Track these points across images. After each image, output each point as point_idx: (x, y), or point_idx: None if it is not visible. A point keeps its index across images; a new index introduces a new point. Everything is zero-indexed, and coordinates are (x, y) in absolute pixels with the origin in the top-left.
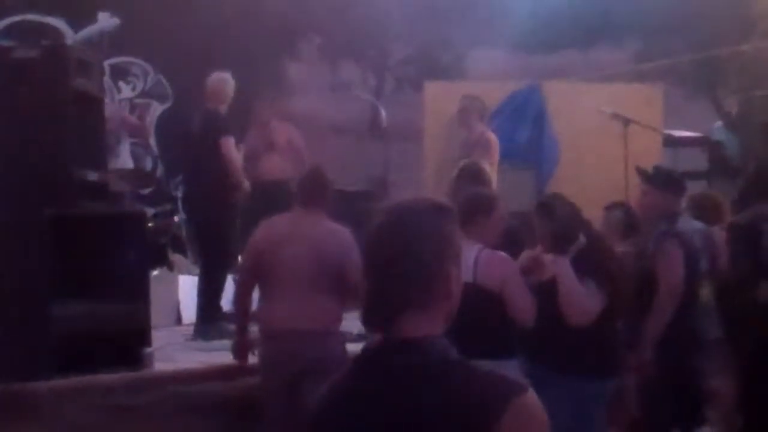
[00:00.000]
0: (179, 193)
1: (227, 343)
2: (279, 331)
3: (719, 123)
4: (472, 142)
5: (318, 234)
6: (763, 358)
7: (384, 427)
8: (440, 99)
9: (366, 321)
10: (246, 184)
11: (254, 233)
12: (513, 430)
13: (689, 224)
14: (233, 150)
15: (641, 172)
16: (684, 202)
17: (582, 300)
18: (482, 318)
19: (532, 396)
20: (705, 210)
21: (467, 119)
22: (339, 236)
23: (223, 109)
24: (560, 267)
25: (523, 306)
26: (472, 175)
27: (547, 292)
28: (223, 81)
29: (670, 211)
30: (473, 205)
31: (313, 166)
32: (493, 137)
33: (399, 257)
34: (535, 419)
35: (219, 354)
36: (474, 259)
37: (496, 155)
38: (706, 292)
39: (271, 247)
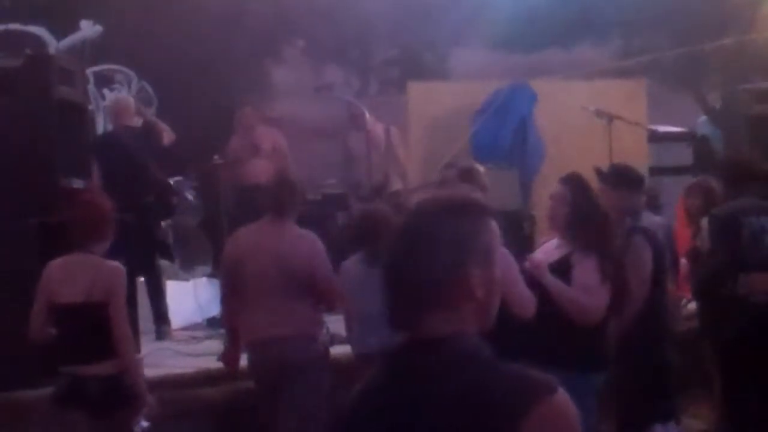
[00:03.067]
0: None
1: (216, 348)
2: (257, 340)
3: (703, 117)
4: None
5: (284, 242)
6: (742, 352)
7: (409, 426)
8: (424, 100)
9: (390, 321)
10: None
11: (226, 246)
12: (540, 430)
13: (650, 219)
14: None
15: (597, 172)
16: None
17: (580, 303)
18: None
19: (562, 396)
20: (712, 200)
21: None
22: (305, 242)
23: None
24: (545, 281)
25: (521, 299)
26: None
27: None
28: (128, 99)
29: (631, 207)
30: None
31: (280, 174)
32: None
33: (413, 259)
34: (563, 420)
35: (207, 359)
36: None
37: None
38: (671, 287)
39: (241, 259)
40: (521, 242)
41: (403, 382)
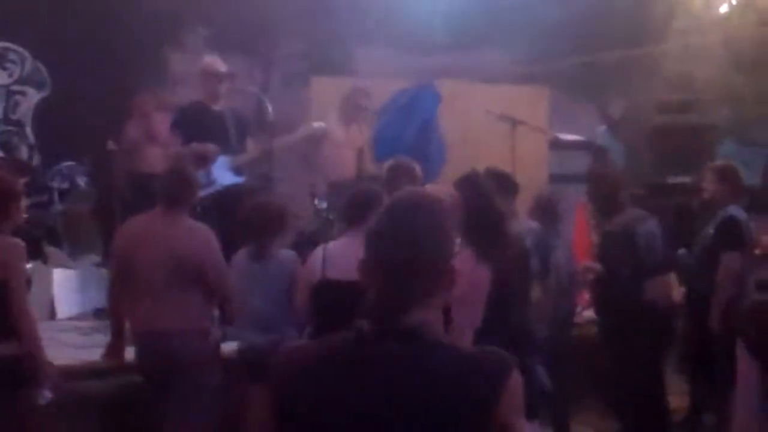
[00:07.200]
0: (56, 184)
1: (102, 339)
2: (144, 332)
3: (603, 128)
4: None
5: (174, 234)
6: (654, 357)
7: (381, 410)
8: (327, 94)
9: (375, 316)
10: None
11: (116, 235)
12: (510, 401)
13: (524, 224)
14: None
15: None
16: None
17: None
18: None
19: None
20: (543, 211)
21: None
22: (197, 235)
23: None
24: None
25: None
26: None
27: None
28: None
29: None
30: (367, 199)
31: (175, 164)
32: None
33: (413, 255)
34: (521, 392)
35: (93, 351)
36: None
37: None
38: (536, 292)
39: (131, 249)
40: None
41: (375, 369)
